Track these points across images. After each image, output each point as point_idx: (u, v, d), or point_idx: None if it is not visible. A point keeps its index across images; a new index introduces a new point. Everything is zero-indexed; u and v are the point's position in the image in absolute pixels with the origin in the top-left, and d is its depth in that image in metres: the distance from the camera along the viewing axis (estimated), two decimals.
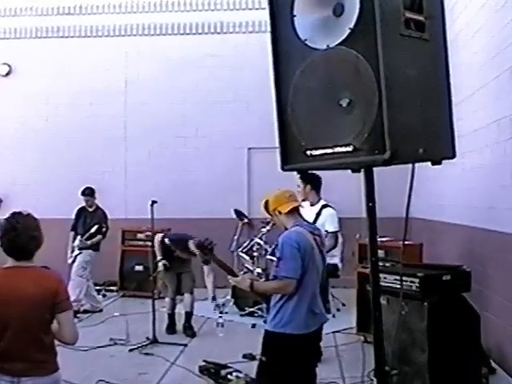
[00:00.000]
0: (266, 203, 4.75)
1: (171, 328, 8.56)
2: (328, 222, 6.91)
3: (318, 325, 4.61)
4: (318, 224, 6.87)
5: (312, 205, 7.05)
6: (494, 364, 6.32)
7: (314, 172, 6.76)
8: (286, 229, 4.64)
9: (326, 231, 6.85)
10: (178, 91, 12.28)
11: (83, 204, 9.99)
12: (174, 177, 11.65)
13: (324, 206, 6.98)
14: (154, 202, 7.97)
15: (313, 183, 6.97)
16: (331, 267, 7.05)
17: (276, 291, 4.52)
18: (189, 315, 8.63)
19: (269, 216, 4.85)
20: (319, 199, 7.06)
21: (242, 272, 9.17)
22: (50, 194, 12.06)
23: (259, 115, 10.94)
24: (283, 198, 4.69)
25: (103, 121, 12.34)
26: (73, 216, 10.01)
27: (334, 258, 7.11)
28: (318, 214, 6.95)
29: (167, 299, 8.68)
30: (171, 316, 8.65)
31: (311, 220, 6.95)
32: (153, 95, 12.31)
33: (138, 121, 12.41)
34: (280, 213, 4.65)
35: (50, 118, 12.47)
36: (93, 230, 9.63)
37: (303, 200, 7.08)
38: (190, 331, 8.49)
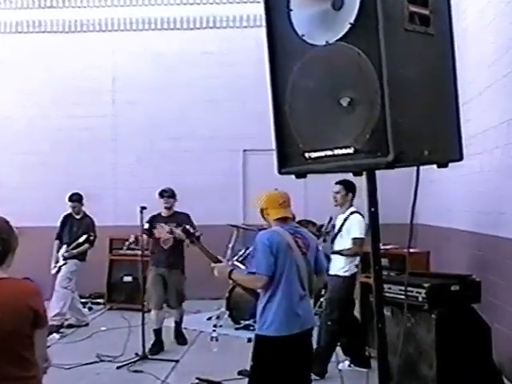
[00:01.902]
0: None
1: (157, 345, 8.31)
2: (353, 229, 6.97)
3: (303, 328, 4.77)
4: (344, 231, 7.03)
5: (343, 212, 7.20)
6: (506, 380, 6.30)
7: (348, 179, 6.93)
8: (270, 227, 4.94)
9: (352, 238, 7.00)
10: (169, 90, 12.29)
11: (69, 210, 9.95)
12: (166, 181, 11.65)
13: (352, 213, 7.04)
14: (143, 208, 7.96)
15: (353, 191, 7.13)
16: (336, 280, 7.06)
17: (247, 284, 4.92)
18: (178, 324, 8.73)
19: (259, 210, 5.05)
20: (351, 206, 7.15)
21: None
22: (34, 200, 12.02)
23: (255, 115, 10.92)
24: (275, 202, 4.94)
25: (90, 121, 12.33)
26: (57, 223, 9.97)
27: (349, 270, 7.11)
28: (345, 220, 7.05)
29: (153, 312, 8.40)
30: (157, 332, 8.41)
31: (338, 226, 7.10)
32: (142, 94, 12.32)
33: (126, 121, 12.42)
34: (268, 215, 4.94)
35: (33, 119, 12.45)
36: (81, 239, 9.58)
37: (338, 206, 7.24)
38: (181, 338, 8.65)
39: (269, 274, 4.61)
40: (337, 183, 7.14)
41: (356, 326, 7.40)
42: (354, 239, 6.97)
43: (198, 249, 5.34)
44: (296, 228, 4.98)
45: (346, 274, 7.01)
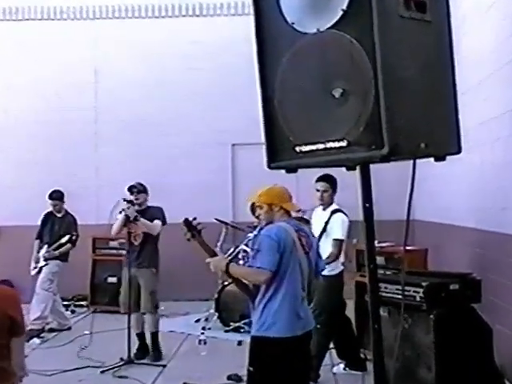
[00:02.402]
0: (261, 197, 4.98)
1: (142, 350, 8.27)
2: (335, 229, 6.97)
3: (304, 330, 4.75)
4: (328, 231, 7.01)
5: (324, 209, 7.18)
6: (508, 383, 6.34)
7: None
8: (271, 223, 4.87)
9: (333, 239, 7.01)
10: (154, 82, 12.24)
11: (50, 209, 9.91)
12: (151, 177, 11.61)
13: (335, 211, 7.04)
14: (130, 203, 7.95)
15: (336, 187, 7.12)
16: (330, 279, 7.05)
17: (248, 277, 4.84)
18: (153, 336, 8.34)
19: (259, 204, 4.96)
20: (332, 203, 7.14)
21: (226, 282, 9.18)
22: (11, 198, 11.96)
23: (244, 108, 10.90)
24: (287, 196, 4.99)
25: (71, 115, 12.26)
26: (38, 222, 9.94)
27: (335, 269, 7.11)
28: (328, 220, 7.06)
29: (132, 316, 8.18)
30: (140, 336, 8.34)
31: (321, 226, 7.05)
32: (126, 86, 12.25)
33: (109, 115, 12.36)
34: (281, 208, 4.88)
35: (11, 112, 12.38)
36: (63, 240, 9.53)
37: (324, 204, 7.21)
38: (155, 353, 8.27)
39: (272, 270, 4.57)
40: (321, 180, 7.08)
41: (348, 327, 7.41)
42: (335, 240, 6.99)
43: (198, 243, 5.10)
44: (299, 225, 4.98)
45: (332, 273, 7.00)
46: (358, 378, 6.90)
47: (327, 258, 6.90)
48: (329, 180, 7.01)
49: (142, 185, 8.50)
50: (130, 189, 8.40)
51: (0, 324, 3.39)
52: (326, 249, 6.95)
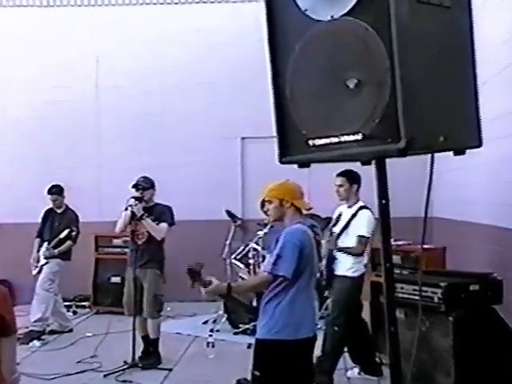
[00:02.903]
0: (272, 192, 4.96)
1: (147, 353, 8.16)
2: (360, 226, 6.94)
3: (311, 333, 4.77)
4: (351, 228, 6.98)
5: (349, 206, 7.14)
6: None
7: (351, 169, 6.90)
8: (280, 220, 4.88)
9: (358, 236, 6.97)
10: (158, 72, 12.20)
11: (51, 205, 9.90)
12: (156, 172, 11.58)
13: (361, 208, 7.02)
14: (137, 199, 7.95)
15: (358, 182, 7.10)
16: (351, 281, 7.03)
17: (257, 288, 5.02)
18: (153, 342, 8.18)
19: (269, 199, 4.93)
20: (358, 200, 7.12)
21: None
22: (10, 195, 11.98)
23: (254, 99, 10.88)
24: (300, 193, 4.97)
25: (71, 107, 12.23)
26: (38, 220, 9.94)
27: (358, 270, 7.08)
28: (354, 216, 7.03)
29: (137, 318, 8.09)
30: (145, 339, 8.23)
31: (344, 223, 7.05)
32: (128, 77, 12.21)
33: (111, 107, 12.34)
34: (292, 205, 4.84)
35: (8, 105, 12.38)
36: (62, 235, 9.51)
37: (343, 200, 7.20)
38: (153, 358, 8.10)
39: (290, 278, 4.59)
40: (338, 175, 7.08)
41: (364, 329, 7.39)
42: (360, 237, 6.94)
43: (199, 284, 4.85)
44: (313, 225, 4.98)
45: (355, 274, 6.98)
46: (373, 383, 6.89)
47: (350, 247, 6.87)
48: (347, 175, 7.00)
49: (147, 179, 8.36)
50: (136, 186, 8.27)
51: None
52: (345, 245, 6.96)
